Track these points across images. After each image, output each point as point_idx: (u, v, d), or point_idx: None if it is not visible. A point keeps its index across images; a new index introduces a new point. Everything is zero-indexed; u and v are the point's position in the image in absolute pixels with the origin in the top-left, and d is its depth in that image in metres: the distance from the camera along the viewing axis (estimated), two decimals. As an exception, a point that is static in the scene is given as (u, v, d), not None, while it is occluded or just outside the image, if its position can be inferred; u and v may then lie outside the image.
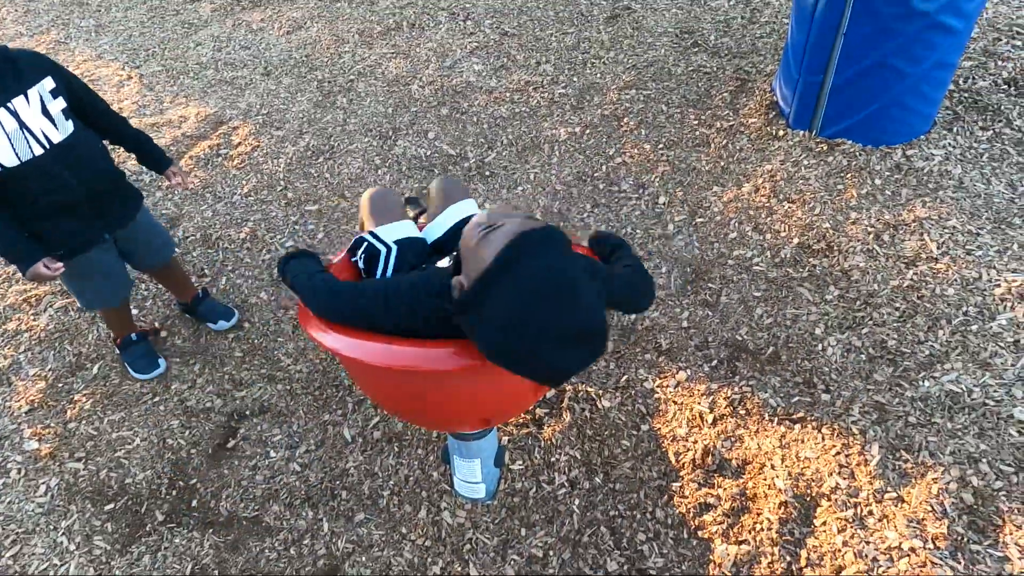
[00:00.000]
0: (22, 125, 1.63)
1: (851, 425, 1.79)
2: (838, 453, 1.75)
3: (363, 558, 1.76)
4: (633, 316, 2.22)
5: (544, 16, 3.74)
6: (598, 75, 3.26)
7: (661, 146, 2.82)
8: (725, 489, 1.76)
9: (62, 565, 1.78)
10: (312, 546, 1.80)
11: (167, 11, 4.44)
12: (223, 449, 2.03)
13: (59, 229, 1.79)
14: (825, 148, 2.57)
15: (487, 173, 2.85)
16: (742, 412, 1.92)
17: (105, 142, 1.91)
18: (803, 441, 1.80)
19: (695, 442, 1.88)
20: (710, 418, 1.92)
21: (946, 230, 2.19)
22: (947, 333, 1.91)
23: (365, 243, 1.54)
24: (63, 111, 1.70)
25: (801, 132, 2.64)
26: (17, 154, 1.63)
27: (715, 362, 2.06)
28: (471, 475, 1.71)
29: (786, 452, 1.79)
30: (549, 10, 3.79)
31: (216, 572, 1.76)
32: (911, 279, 2.08)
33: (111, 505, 1.90)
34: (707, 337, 2.13)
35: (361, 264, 1.54)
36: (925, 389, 1.80)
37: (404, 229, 1.56)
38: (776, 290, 2.20)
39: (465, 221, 1.59)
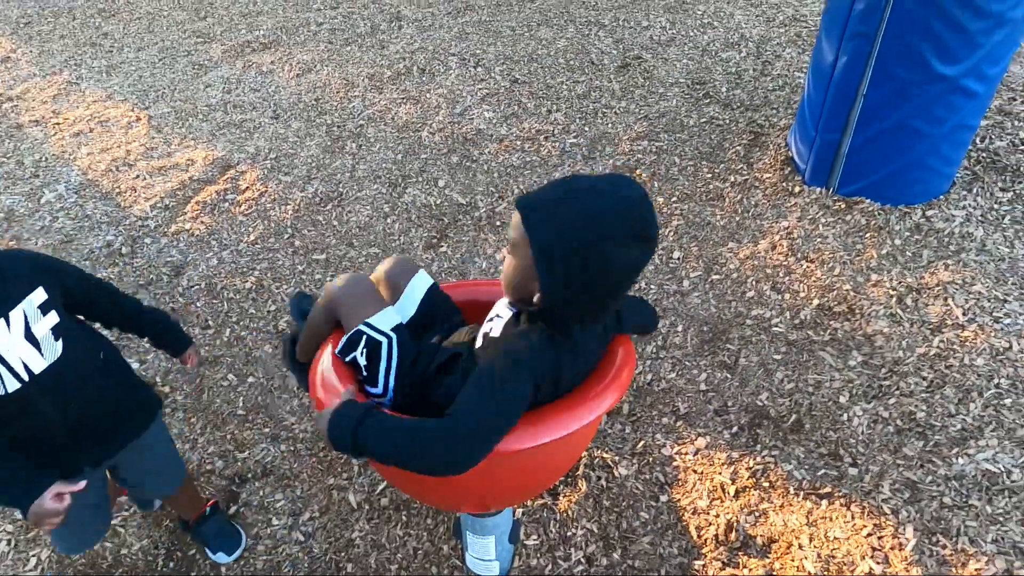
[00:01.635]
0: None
1: (882, 504, 1.72)
2: (870, 534, 1.67)
3: (369, 640, 1.66)
4: (649, 377, 2.16)
5: (555, 64, 3.75)
6: (609, 125, 3.25)
7: (675, 199, 2.79)
8: (751, 569, 1.68)
9: (50, 645, 1.68)
10: (315, 625, 1.70)
11: (178, 52, 4.46)
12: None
13: (23, 465, 1.33)
14: (843, 206, 2.54)
15: (497, 223, 2.81)
16: (765, 484, 1.84)
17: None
18: (831, 519, 1.72)
19: (717, 516, 1.80)
20: (732, 490, 1.84)
21: (971, 295, 2.14)
22: (979, 406, 1.85)
23: (365, 336, 1.31)
24: (53, 328, 1.31)
25: (818, 189, 2.61)
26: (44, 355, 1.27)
27: (735, 429, 1.99)
28: (485, 552, 1.63)
29: (814, 531, 1.71)
30: (559, 58, 3.80)
31: (213, 653, 1.66)
32: (937, 347, 2.02)
33: (104, 577, 1.81)
34: (726, 402, 2.07)
35: (363, 360, 1.30)
36: (959, 467, 1.73)
37: (392, 316, 1.36)
38: (797, 353, 2.14)
39: (430, 292, 1.45)
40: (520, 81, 3.66)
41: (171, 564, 1.84)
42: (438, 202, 2.95)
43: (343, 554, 1.83)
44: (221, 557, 1.84)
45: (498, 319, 1.19)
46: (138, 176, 3.27)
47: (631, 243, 1.00)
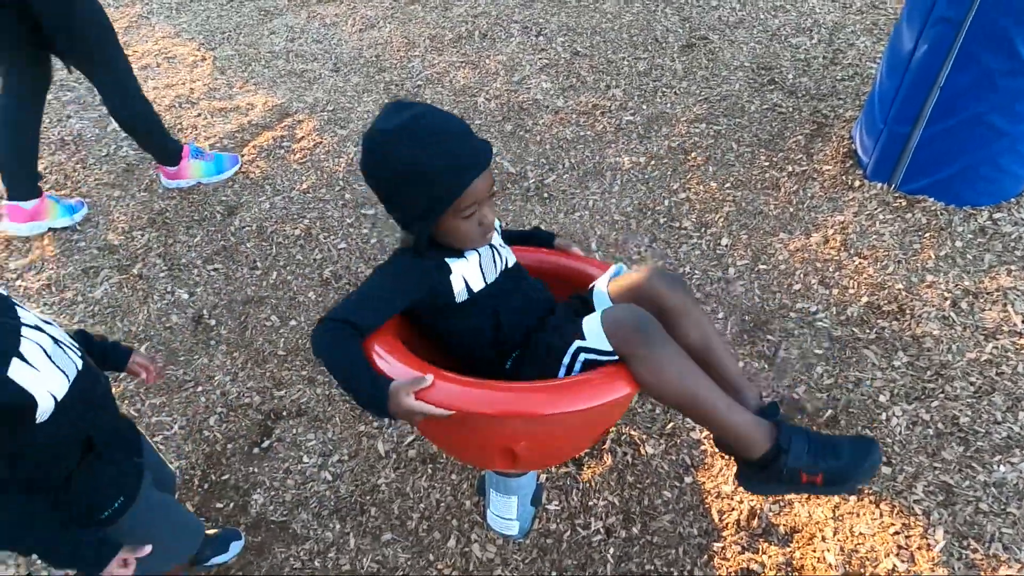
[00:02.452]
0: (54, 339, 1.11)
1: (913, 504, 1.68)
2: (897, 533, 1.64)
3: (387, 580, 1.71)
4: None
5: (618, 39, 3.68)
6: (668, 105, 3.19)
7: (728, 185, 2.73)
8: (770, 556, 1.67)
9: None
10: (337, 560, 1.76)
11: (245, -1, 4.51)
12: (258, 448, 2.01)
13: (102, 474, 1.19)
14: (904, 204, 2.46)
15: (545, 195, 2.80)
16: (793, 476, 1.82)
17: None
18: (859, 515, 1.70)
19: (741, 502, 1.79)
20: (759, 478, 1.83)
21: (1031, 306, 2.06)
22: (1027, 419, 1.79)
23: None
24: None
25: (879, 184, 2.53)
26: (65, 373, 1.08)
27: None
28: (506, 511, 1.65)
29: (839, 524, 1.69)
30: (623, 33, 3.73)
31: (240, 574, 1.73)
32: (990, 353, 1.95)
33: (143, 492, 1.90)
34: (761, 392, 2.04)
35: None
36: (1000, 475, 1.68)
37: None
38: (840, 350, 2.10)
39: None
40: (581, 54, 3.61)
41: (205, 486, 1.92)
42: (488, 167, 2.94)
43: (368, 497, 1.88)
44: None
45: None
46: (199, 115, 3.35)
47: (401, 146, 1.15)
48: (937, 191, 2.41)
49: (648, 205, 2.70)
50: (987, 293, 2.12)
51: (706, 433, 1.95)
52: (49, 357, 1.06)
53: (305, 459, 1.98)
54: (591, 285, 1.37)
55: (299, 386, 2.17)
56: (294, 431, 2.05)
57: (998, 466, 1.71)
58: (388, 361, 1.13)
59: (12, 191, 2.61)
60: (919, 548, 1.60)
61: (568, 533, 1.76)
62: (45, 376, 1.03)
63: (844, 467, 1.12)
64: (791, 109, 3.06)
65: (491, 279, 1.27)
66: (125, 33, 4.11)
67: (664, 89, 3.29)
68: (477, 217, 1.18)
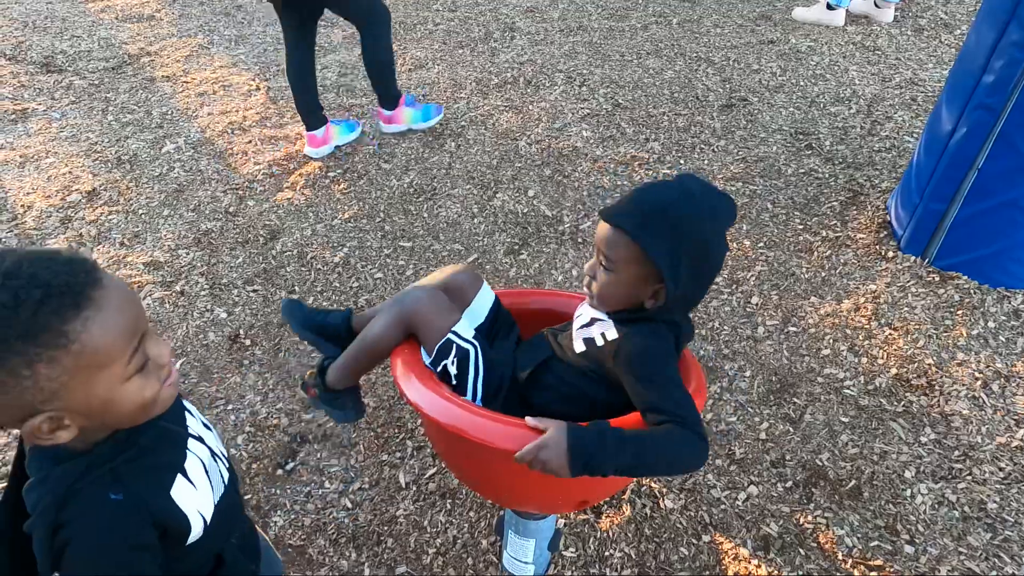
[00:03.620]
0: (211, 451, 1.01)
1: (935, 587, 1.66)
2: (917, 615, 1.61)
3: (398, 615, 1.72)
4: (709, 416, 2.14)
5: (659, 94, 3.78)
6: (706, 161, 3.25)
7: (761, 245, 2.77)
8: (785, 627, 1.65)
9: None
10: (350, 590, 1.77)
11: (302, 33, 4.72)
12: (281, 469, 2.05)
13: None
14: (937, 279, 2.46)
15: (580, 240, 2.85)
16: (813, 544, 1.81)
17: None
18: (878, 592, 1.68)
19: (759, 566, 1.78)
20: (778, 544, 1.81)
21: (1064, 393, 2.04)
22: (1057, 508, 1.76)
23: (455, 345, 1.31)
24: None
25: (913, 258, 2.54)
26: (214, 490, 0.96)
27: (790, 483, 1.96)
28: (523, 554, 1.66)
29: (858, 601, 1.67)
30: (664, 89, 3.83)
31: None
32: (1021, 439, 1.93)
33: (168, 504, 1.94)
34: (784, 455, 2.03)
35: (454, 370, 1.30)
36: (1026, 567, 1.66)
37: (467, 324, 1.37)
38: (866, 420, 2.09)
39: (495, 304, 1.48)
40: (622, 106, 3.70)
41: None
42: (525, 211, 3.01)
43: (386, 528, 1.90)
44: None
45: (599, 324, 1.25)
46: (250, 141, 3.48)
47: (716, 224, 1.18)
48: (971, 270, 2.41)
49: (680, 260, 2.73)
50: (1019, 377, 2.11)
51: (727, 492, 1.94)
52: (206, 472, 0.95)
53: (327, 484, 2.01)
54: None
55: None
56: (318, 455, 2.08)
57: (1025, 555, 1.68)
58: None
59: (308, 124, 3.25)
60: (940, 631, 1.57)
61: (582, 583, 1.76)
62: (201, 495, 0.92)
63: None
64: (827, 175, 3.10)
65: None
66: (186, 62, 4.32)
67: (702, 146, 3.36)
68: None
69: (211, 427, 1.04)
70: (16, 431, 0.88)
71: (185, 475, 0.90)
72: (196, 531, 0.90)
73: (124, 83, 4.02)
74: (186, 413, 0.99)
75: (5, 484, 0.89)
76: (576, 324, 1.30)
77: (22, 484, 0.84)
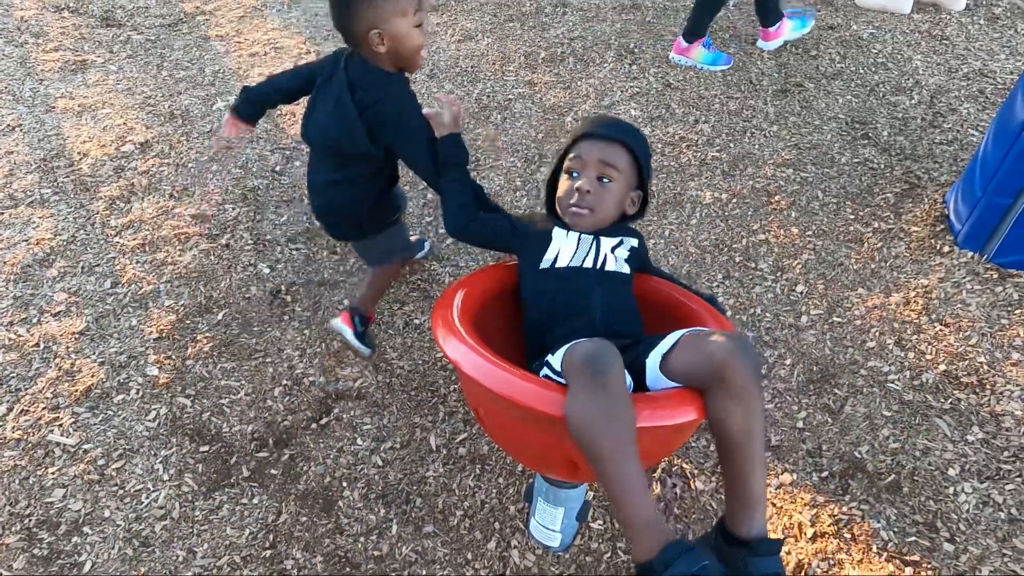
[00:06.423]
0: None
1: (973, 587, 1.61)
2: (953, 614, 1.57)
3: (423, 572, 1.73)
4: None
5: (711, 76, 3.69)
6: (756, 146, 3.17)
7: (809, 233, 2.69)
8: (813, 615, 1.62)
9: (154, 491, 1.86)
10: (377, 543, 1.79)
11: (354, -1, 4.71)
12: (315, 424, 2.08)
13: None
14: (995, 276, 2.37)
15: (623, 218, 2.81)
16: (847, 535, 1.77)
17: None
18: (913, 588, 1.63)
19: (788, 552, 1.75)
20: (810, 532, 1.78)
21: (1125, 400, 1.95)
22: (1109, 517, 1.69)
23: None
24: None
25: (970, 253, 2.45)
26: None
27: (826, 474, 1.92)
28: (551, 522, 1.66)
29: (891, 595, 1.63)
30: (718, 72, 3.73)
31: (283, 542, 1.79)
32: (1074, 444, 1.86)
33: (206, 448, 1.98)
34: (821, 445, 1.99)
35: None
36: (1072, 573, 1.59)
37: None
38: (910, 415, 2.03)
39: None
40: (673, 86, 3.63)
41: (263, 453, 1.99)
42: (568, 185, 2.98)
43: (415, 488, 1.92)
44: None
45: (626, 240, 1.71)
46: (299, 103, 3.49)
47: None
48: (1033, 268, 2.31)
49: (725, 242, 2.68)
50: (1077, 380, 2.02)
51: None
52: None
53: (359, 441, 2.03)
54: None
55: (362, 370, 2.23)
56: (352, 412, 2.11)
57: (1072, 561, 1.62)
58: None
59: (688, 33, 3.65)
60: (976, 632, 1.53)
61: (608, 555, 1.75)
62: None
63: None
64: (883, 166, 3.00)
65: (576, 264, 1.56)
66: (239, 22, 4.35)
67: (753, 130, 3.27)
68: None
69: None
70: None
71: None
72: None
73: (179, 40, 4.07)
74: None
75: None
76: (606, 248, 1.61)
77: None
